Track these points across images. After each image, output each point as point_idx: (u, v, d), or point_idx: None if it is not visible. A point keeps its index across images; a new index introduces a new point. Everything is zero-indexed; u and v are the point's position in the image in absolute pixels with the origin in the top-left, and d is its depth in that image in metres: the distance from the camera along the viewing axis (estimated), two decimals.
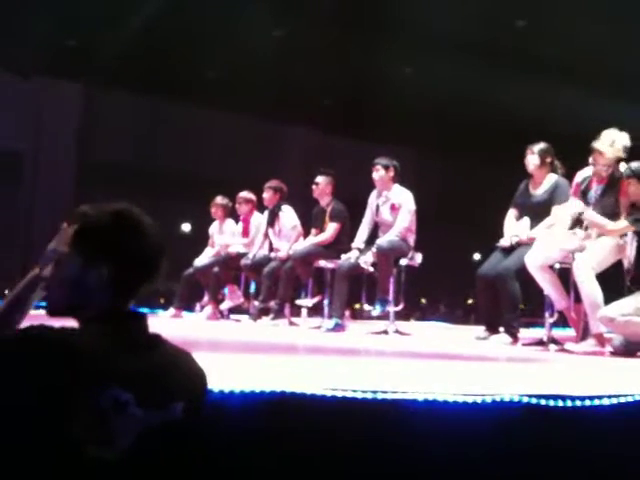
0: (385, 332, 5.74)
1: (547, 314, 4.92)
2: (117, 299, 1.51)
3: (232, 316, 7.28)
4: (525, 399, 2.20)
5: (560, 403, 2.22)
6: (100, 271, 1.49)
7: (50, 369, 1.33)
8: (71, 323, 1.53)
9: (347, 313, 6.50)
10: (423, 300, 15.55)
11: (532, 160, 5.21)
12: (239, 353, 3.81)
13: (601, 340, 4.56)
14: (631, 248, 4.60)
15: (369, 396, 2.10)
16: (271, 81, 10.41)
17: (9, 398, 1.33)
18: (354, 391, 2.10)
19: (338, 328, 5.76)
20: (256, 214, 7.42)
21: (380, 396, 2.12)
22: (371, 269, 5.89)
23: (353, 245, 6.08)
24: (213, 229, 7.69)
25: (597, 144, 4.70)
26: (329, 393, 2.07)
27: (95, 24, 9.47)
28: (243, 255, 7.10)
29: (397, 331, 5.78)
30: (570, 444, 2.21)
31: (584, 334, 4.79)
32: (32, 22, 8.97)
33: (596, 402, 2.27)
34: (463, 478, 2.11)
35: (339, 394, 2.07)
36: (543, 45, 9.30)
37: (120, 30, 9.70)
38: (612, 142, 4.68)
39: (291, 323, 6.58)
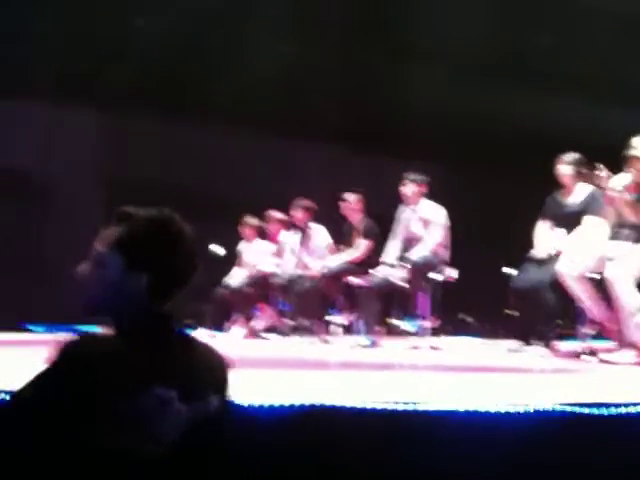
0: (418, 347, 5.69)
1: (583, 325, 4.85)
2: (150, 305, 1.53)
3: (264, 334, 7.28)
4: (562, 408, 2.17)
5: (596, 411, 2.18)
6: (140, 276, 1.51)
7: (92, 378, 1.36)
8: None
9: (380, 329, 6.47)
10: (461, 316, 15.33)
11: (564, 170, 5.17)
12: (271, 369, 3.81)
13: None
14: None
15: (402, 408, 2.08)
16: (290, 97, 10.48)
17: (59, 408, 1.36)
18: (388, 403, 2.08)
19: (370, 344, 5.73)
20: (283, 232, 7.45)
21: (417, 408, 2.09)
22: (403, 284, 5.86)
23: (384, 260, 6.05)
24: (242, 248, 7.73)
25: (633, 152, 4.62)
26: (361, 405, 2.06)
27: (109, 47, 9.64)
28: (274, 274, 7.12)
29: (431, 346, 5.73)
30: (608, 451, 2.17)
31: (622, 344, 4.70)
32: (46, 44, 9.16)
33: (632, 409, 2.23)
34: None
35: (369, 406, 2.06)
36: (565, 61, 9.30)
37: (133, 54, 9.86)
38: None
39: (323, 340, 6.56)
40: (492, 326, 14.25)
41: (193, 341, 1.58)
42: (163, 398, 1.38)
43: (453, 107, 10.45)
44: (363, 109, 10.99)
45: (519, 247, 5.43)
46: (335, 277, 6.45)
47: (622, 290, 4.42)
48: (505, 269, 5.65)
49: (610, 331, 4.86)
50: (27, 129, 10.51)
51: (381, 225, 6.36)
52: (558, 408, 2.16)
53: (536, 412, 2.13)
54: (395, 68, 9.75)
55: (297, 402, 2.00)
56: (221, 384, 1.57)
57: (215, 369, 1.57)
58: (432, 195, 6.20)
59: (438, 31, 8.94)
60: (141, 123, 12.04)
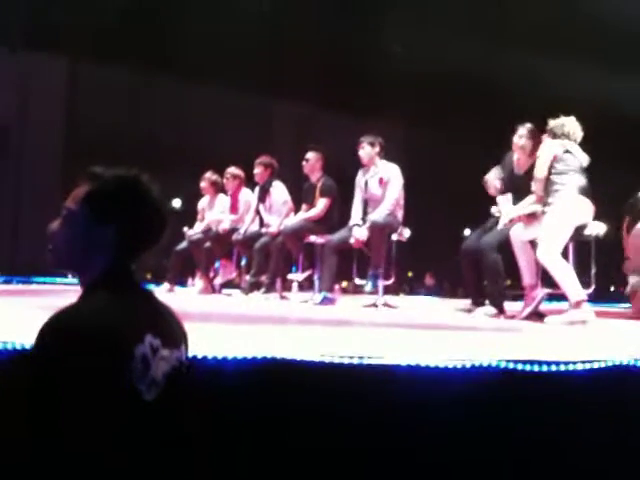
0: (374, 305, 5.87)
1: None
2: (117, 261, 1.62)
3: (224, 290, 7.39)
4: (503, 364, 2.33)
5: (536, 368, 2.35)
6: (107, 229, 1.60)
7: (104, 344, 1.45)
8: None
9: (337, 287, 6.62)
10: (419, 276, 15.61)
11: (516, 141, 5.31)
12: (231, 324, 3.93)
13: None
14: None
15: (355, 362, 2.23)
16: (261, 54, 10.44)
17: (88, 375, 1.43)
18: (341, 357, 2.23)
19: (327, 301, 5.87)
20: (244, 190, 7.50)
21: (366, 362, 2.24)
22: (360, 244, 6.00)
23: (351, 223, 6.14)
24: (203, 204, 7.77)
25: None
26: (317, 359, 2.20)
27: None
28: (235, 230, 7.19)
29: (386, 304, 5.91)
30: (544, 406, 2.34)
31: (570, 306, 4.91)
32: None
33: (570, 367, 2.40)
34: (444, 438, 2.24)
35: (327, 360, 2.20)
36: (526, 17, 9.43)
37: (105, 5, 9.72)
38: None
39: (282, 297, 6.69)
40: (450, 286, 14.54)
41: (154, 295, 1.69)
42: (152, 346, 1.51)
43: (422, 69, 10.53)
44: (335, 69, 10.98)
45: (482, 209, 5.58)
46: (294, 235, 6.54)
47: (553, 267, 4.66)
48: (466, 231, 5.81)
49: (528, 297, 5.08)
50: None
51: (350, 184, 6.43)
52: (495, 364, 2.32)
53: (474, 367, 2.28)
54: (364, 34, 9.75)
55: (258, 355, 2.12)
56: (184, 333, 1.70)
57: (177, 319, 1.70)
58: (401, 156, 6.29)
59: None
60: (110, 75, 11.87)
